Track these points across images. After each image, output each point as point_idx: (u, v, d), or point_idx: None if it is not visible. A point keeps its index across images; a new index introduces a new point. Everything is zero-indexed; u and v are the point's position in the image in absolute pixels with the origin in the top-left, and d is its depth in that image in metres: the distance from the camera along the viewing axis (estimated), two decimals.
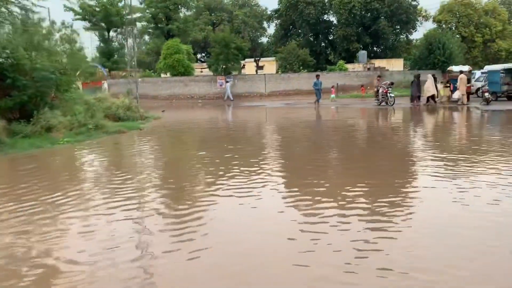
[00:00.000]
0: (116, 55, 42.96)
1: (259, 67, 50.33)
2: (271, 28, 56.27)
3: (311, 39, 48.14)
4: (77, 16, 40.51)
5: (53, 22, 15.77)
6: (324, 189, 6.48)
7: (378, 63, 41.24)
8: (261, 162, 8.58)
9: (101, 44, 42.91)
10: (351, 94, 33.18)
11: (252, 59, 49.34)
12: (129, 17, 42.30)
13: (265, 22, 56.57)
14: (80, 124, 12.93)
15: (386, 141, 11.89)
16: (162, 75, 37.74)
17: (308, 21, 45.20)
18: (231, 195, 6.17)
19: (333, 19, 47.89)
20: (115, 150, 12.01)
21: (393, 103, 22.98)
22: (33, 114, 12.15)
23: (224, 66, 33.98)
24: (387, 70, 38.32)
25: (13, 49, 12.21)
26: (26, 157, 9.96)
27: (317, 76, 27.92)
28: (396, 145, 11.08)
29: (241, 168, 7.95)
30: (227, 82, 33.84)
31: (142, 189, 6.75)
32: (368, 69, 39.17)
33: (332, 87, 30.12)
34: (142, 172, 8.12)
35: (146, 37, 53.75)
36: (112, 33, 43.59)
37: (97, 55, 42.19)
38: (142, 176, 7.77)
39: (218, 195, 6.21)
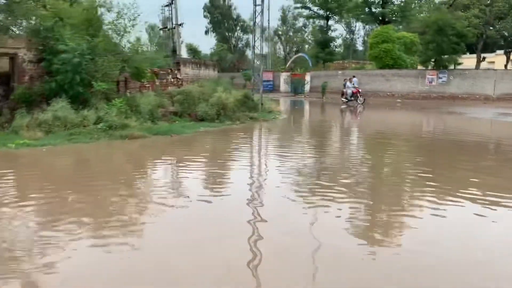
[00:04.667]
0: (332, 46, 40.68)
1: None
2: None
3: None
4: (298, 5, 40.45)
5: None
6: None
7: None
8: None
9: (319, 34, 41.33)
10: None
11: (503, 51, 37.96)
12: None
13: None
14: (98, 122, 10.70)
15: None
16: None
17: None
18: None
19: None
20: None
21: None
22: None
23: (434, 59, 26.67)
24: None
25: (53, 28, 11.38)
26: None
27: None
28: None
29: None
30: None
31: None
32: None
33: None
34: None
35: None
36: (331, 22, 41.24)
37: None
38: None
39: None
